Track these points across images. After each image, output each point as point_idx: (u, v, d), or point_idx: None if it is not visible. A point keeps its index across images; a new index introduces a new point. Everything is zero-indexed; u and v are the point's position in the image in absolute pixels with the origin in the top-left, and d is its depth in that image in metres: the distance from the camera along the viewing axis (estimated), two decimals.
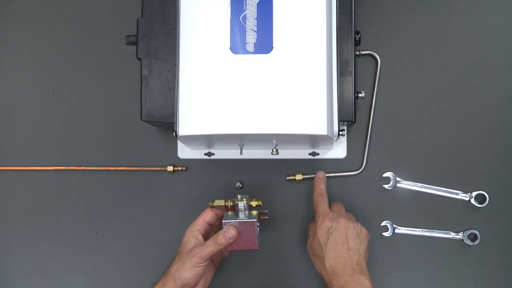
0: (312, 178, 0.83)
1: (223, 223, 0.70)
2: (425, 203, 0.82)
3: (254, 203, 0.72)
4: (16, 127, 0.87)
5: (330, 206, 0.75)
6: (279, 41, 0.67)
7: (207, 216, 0.72)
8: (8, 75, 0.88)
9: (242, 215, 0.71)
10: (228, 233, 0.69)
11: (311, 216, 0.82)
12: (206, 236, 0.72)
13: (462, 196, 0.82)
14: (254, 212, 0.71)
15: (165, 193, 0.84)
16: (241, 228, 0.70)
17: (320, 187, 0.76)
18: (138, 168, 0.85)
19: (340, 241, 0.69)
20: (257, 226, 0.70)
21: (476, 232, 0.81)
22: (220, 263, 0.78)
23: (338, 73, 0.70)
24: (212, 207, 0.72)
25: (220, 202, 0.72)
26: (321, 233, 0.70)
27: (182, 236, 0.72)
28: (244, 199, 0.71)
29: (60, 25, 0.88)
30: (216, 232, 0.73)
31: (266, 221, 0.78)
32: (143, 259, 0.83)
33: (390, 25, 0.85)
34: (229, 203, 0.72)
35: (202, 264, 0.68)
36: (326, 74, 0.67)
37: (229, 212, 0.72)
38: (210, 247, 0.68)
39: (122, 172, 0.85)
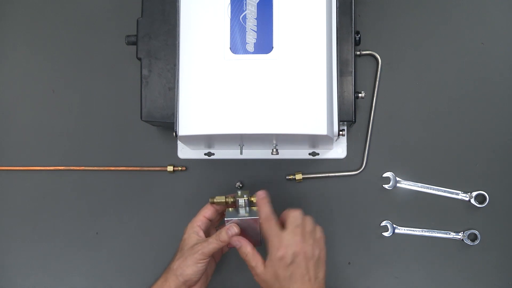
0: (313, 178, 0.83)
1: (226, 221, 0.70)
2: (425, 203, 0.82)
3: (254, 199, 0.72)
4: (16, 127, 0.87)
5: (284, 218, 0.68)
6: (279, 41, 0.67)
7: (207, 212, 0.72)
8: (8, 75, 0.88)
9: (242, 211, 0.71)
10: (231, 230, 0.68)
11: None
12: (207, 232, 0.72)
13: (462, 196, 0.82)
14: (255, 208, 0.71)
15: (165, 193, 0.84)
16: (244, 225, 0.70)
17: (264, 210, 0.68)
18: (138, 168, 0.85)
19: (301, 273, 0.64)
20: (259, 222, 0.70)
21: (476, 232, 0.81)
22: (221, 262, 0.78)
23: (338, 73, 0.70)
24: (213, 203, 0.72)
25: (220, 199, 0.72)
26: (279, 265, 0.64)
27: (181, 236, 0.72)
28: (244, 195, 0.71)
29: (60, 25, 0.88)
30: (216, 227, 0.72)
31: None
32: (143, 259, 0.83)
33: (390, 25, 0.85)
34: (230, 199, 0.72)
35: (204, 261, 0.68)
36: (326, 74, 0.67)
37: (230, 209, 0.72)
38: (213, 244, 0.68)
39: (122, 172, 0.85)
